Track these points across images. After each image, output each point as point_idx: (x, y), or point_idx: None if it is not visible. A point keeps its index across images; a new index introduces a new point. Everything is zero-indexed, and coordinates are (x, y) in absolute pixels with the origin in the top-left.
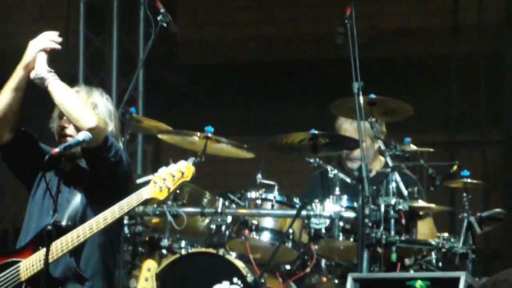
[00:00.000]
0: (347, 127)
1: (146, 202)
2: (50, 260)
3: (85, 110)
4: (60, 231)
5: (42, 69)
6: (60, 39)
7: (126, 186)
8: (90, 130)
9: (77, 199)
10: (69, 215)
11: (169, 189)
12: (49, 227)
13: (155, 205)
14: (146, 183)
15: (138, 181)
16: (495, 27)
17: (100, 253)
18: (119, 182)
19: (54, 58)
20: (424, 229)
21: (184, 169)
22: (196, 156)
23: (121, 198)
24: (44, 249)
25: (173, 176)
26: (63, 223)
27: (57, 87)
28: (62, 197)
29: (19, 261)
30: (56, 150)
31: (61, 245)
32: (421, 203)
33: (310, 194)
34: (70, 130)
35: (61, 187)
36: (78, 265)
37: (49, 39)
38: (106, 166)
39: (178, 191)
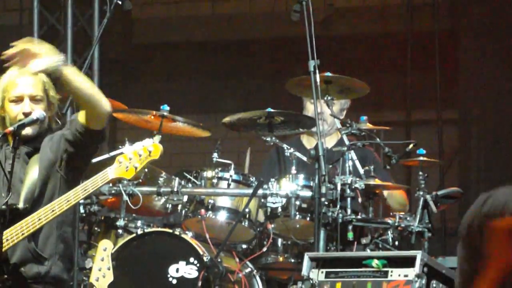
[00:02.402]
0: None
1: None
2: (11, 244)
3: (100, 94)
4: (17, 214)
5: (53, 59)
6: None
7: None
8: (107, 114)
9: (32, 179)
10: (25, 197)
11: (135, 168)
12: (3, 207)
13: (110, 184)
14: (108, 162)
15: (94, 160)
16: (450, 5)
17: (58, 233)
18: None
19: (8, 36)
20: (398, 197)
21: (151, 147)
22: (152, 135)
23: (79, 179)
24: (3, 232)
25: (140, 155)
26: (20, 205)
27: (73, 74)
28: (14, 177)
29: None
30: (10, 128)
31: (21, 228)
32: (377, 181)
33: (267, 170)
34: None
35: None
36: (37, 245)
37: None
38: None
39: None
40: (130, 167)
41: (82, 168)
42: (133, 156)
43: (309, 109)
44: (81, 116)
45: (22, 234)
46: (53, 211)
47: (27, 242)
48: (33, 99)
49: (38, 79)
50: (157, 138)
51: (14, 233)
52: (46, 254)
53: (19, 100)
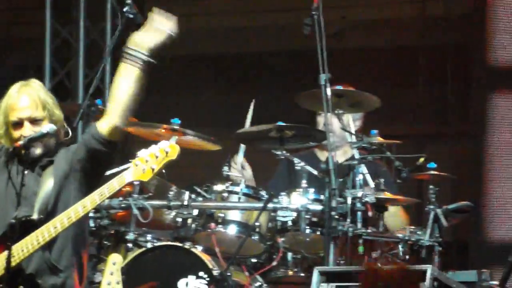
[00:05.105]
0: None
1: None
2: (26, 254)
3: (130, 106)
4: (32, 225)
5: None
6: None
7: None
8: (121, 126)
9: (46, 191)
10: (39, 208)
11: (153, 169)
12: (12, 221)
13: (120, 198)
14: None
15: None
16: (462, 19)
17: (73, 245)
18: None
19: (21, 49)
20: (395, 219)
21: (168, 148)
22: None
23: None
24: (15, 245)
25: (157, 157)
26: (34, 216)
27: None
28: (27, 190)
29: None
30: (20, 142)
31: (36, 238)
32: (388, 195)
33: (278, 178)
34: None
35: (25, 180)
36: (52, 256)
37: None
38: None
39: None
40: (148, 169)
41: (95, 180)
42: (150, 158)
43: (319, 121)
44: (100, 126)
45: (38, 243)
46: (69, 218)
47: (42, 253)
48: (33, 120)
49: (37, 99)
50: (173, 139)
51: (30, 243)
52: (61, 266)
53: (19, 123)
